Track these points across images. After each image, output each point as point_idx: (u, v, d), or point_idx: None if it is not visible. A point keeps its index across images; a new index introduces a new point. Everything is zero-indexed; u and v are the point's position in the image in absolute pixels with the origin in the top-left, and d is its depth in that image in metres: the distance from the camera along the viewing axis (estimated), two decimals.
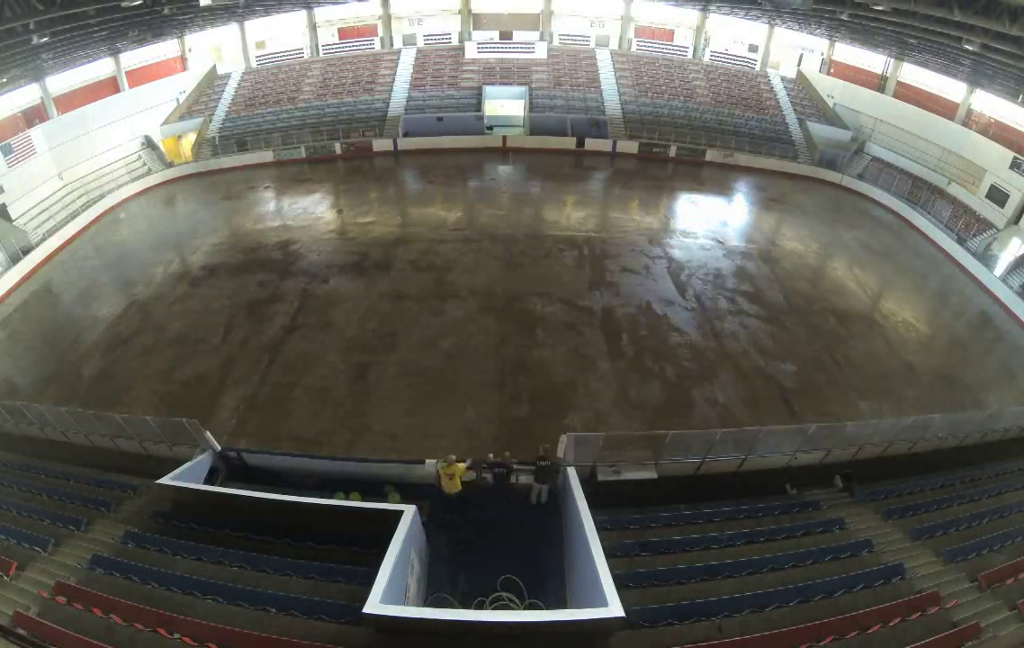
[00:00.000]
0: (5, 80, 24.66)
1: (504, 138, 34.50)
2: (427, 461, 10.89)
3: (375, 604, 6.26)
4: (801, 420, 14.59)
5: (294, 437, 14.36)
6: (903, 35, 22.82)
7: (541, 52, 39.00)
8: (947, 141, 29.88)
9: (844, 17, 22.73)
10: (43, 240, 24.88)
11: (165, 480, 9.91)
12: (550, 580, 9.17)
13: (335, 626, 7.44)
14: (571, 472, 10.21)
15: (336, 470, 11.14)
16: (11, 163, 26.39)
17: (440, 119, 34.68)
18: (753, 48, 40.03)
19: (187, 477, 10.39)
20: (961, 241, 26.19)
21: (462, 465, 10.19)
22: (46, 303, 21.67)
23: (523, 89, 36.33)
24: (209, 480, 11.09)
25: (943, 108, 31.10)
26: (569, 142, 34.16)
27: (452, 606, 8.23)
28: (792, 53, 39.26)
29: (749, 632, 7.73)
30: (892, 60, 33.13)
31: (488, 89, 36.25)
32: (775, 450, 12.09)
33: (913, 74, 32.62)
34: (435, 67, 38.47)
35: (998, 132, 28.15)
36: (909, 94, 32.86)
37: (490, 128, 35.21)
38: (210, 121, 34.51)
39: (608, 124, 34.95)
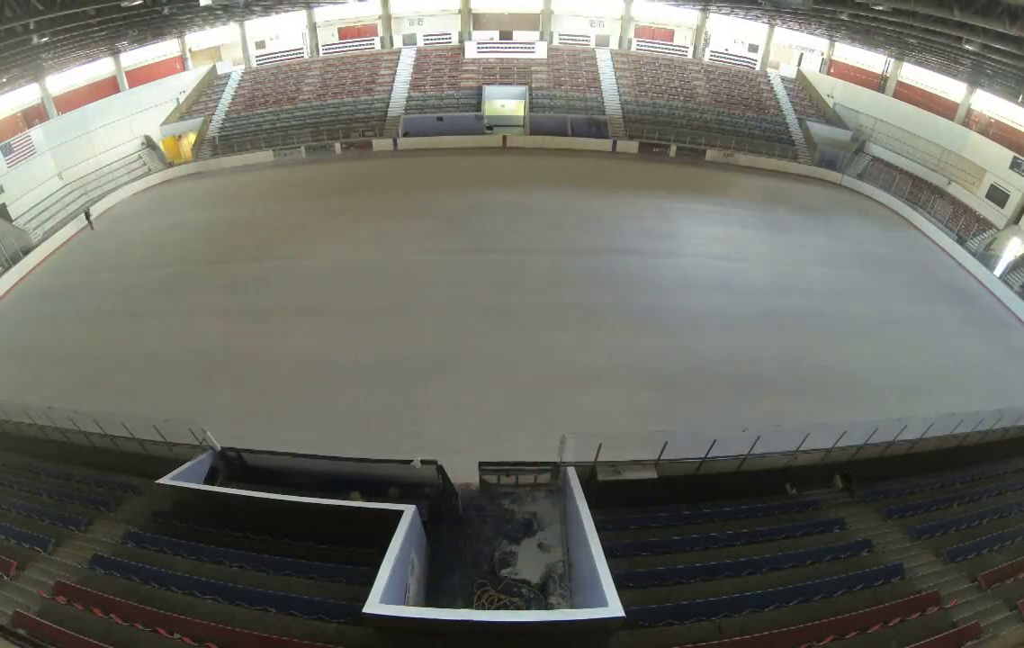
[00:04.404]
0: (5, 80, 24.66)
1: (504, 138, 34.51)
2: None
3: (375, 604, 6.26)
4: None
5: None
6: (903, 35, 22.80)
7: (541, 52, 38.97)
8: (947, 141, 29.88)
9: (844, 17, 22.74)
10: (43, 240, 24.89)
11: (165, 480, 9.89)
12: None
13: (335, 626, 7.45)
14: (571, 472, 10.20)
15: (336, 470, 11.12)
16: (11, 163, 26.40)
17: (440, 119, 34.66)
18: (753, 48, 40.01)
19: (187, 477, 10.37)
20: (961, 241, 26.19)
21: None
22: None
23: (523, 89, 36.31)
24: (209, 480, 11.08)
25: (943, 108, 31.09)
26: (575, 142, 34.17)
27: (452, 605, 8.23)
28: (792, 53, 39.25)
29: (749, 632, 7.74)
30: (892, 60, 33.12)
31: (488, 89, 36.23)
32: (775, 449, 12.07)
33: (913, 74, 32.61)
34: (435, 67, 38.46)
35: (998, 132, 28.15)
36: (909, 94, 32.85)
37: (490, 128, 35.18)
38: (210, 121, 34.50)
39: (608, 124, 34.95)
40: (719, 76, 38.59)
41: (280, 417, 15.20)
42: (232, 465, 11.63)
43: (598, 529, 7.96)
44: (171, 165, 32.63)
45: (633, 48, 40.69)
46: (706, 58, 40.39)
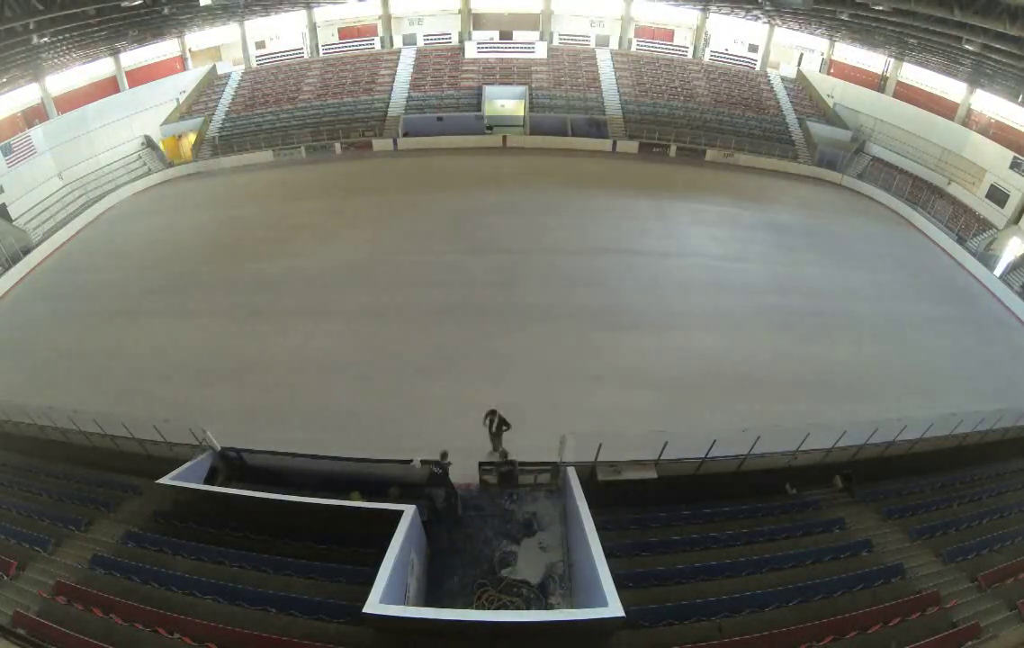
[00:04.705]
0: (5, 80, 24.67)
1: (504, 138, 34.51)
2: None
3: (375, 604, 6.26)
4: None
5: None
6: (903, 35, 22.82)
7: (541, 52, 38.95)
8: (947, 141, 29.87)
9: (844, 17, 22.75)
10: (43, 240, 24.89)
11: (165, 480, 9.90)
12: None
13: (335, 626, 7.45)
14: (571, 472, 10.20)
15: (336, 470, 11.13)
16: (11, 163, 26.41)
17: (440, 119, 34.64)
18: (753, 48, 39.99)
19: (187, 477, 10.38)
20: (961, 241, 26.20)
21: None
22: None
23: (523, 89, 36.27)
24: (209, 480, 11.08)
25: (943, 108, 31.08)
26: (575, 142, 34.21)
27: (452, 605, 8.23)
28: (792, 53, 39.24)
29: (749, 632, 7.74)
30: (892, 60, 33.10)
31: (488, 89, 36.20)
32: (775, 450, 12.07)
33: (913, 74, 32.59)
34: (435, 67, 38.44)
35: (998, 132, 28.14)
36: (909, 94, 32.84)
37: (490, 128, 35.15)
38: (210, 121, 34.50)
39: (608, 124, 34.94)
40: (719, 76, 38.57)
41: (280, 417, 15.20)
42: (232, 465, 11.64)
43: (598, 529, 7.96)
44: (171, 165, 32.62)
45: (633, 48, 40.68)
46: (706, 58, 40.37)
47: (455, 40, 40.40)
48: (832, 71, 37.55)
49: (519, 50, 39.23)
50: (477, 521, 10.50)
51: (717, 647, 7.47)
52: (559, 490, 10.93)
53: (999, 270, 23.94)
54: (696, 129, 34.55)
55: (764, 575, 9.10)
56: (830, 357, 18.32)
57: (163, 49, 34.94)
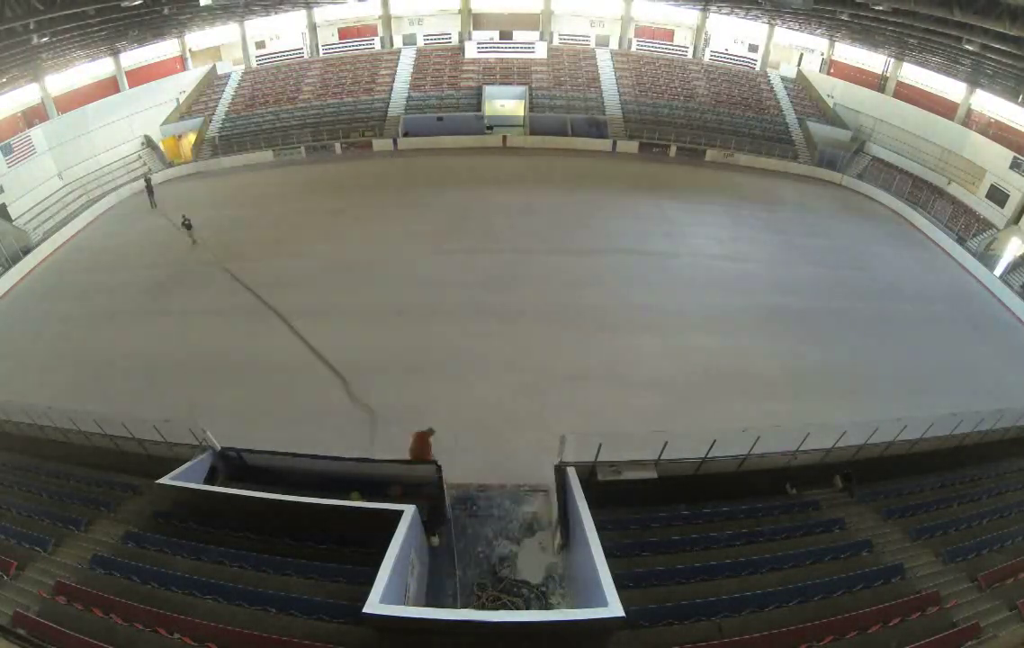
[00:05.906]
0: (5, 80, 24.67)
1: (504, 138, 34.52)
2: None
3: (375, 604, 6.26)
4: None
5: None
6: (903, 35, 22.83)
7: (541, 52, 38.96)
8: (947, 141, 29.88)
9: (844, 17, 22.77)
10: (43, 240, 24.89)
11: (165, 480, 9.89)
12: None
13: (335, 626, 7.45)
14: (571, 472, 10.20)
15: (336, 470, 11.13)
16: (11, 163, 26.40)
17: (440, 119, 34.66)
18: (753, 48, 40.00)
19: (187, 477, 10.38)
20: (961, 241, 26.20)
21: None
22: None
23: (523, 89, 36.28)
24: (209, 480, 11.08)
25: (943, 108, 31.09)
26: (575, 142, 34.23)
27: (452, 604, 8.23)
28: (792, 53, 39.26)
29: (749, 632, 7.73)
30: (892, 60, 33.12)
31: (488, 89, 36.21)
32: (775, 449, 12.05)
33: (913, 74, 32.61)
34: (435, 67, 38.45)
35: (998, 132, 28.16)
36: (909, 94, 32.86)
37: (490, 128, 35.17)
38: (210, 121, 34.51)
39: (608, 124, 34.95)
40: (719, 76, 38.58)
41: (280, 417, 15.19)
42: (232, 465, 11.63)
43: (598, 529, 7.96)
44: (171, 165, 32.64)
45: (633, 48, 40.68)
46: (706, 58, 40.37)
47: (455, 40, 40.40)
48: (832, 71, 37.56)
49: (519, 50, 39.24)
50: (477, 521, 10.51)
51: (717, 647, 7.47)
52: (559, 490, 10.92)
53: (999, 270, 23.95)
54: (696, 129, 34.56)
55: (764, 575, 9.10)
56: (830, 357, 18.31)
57: (163, 49, 34.92)
